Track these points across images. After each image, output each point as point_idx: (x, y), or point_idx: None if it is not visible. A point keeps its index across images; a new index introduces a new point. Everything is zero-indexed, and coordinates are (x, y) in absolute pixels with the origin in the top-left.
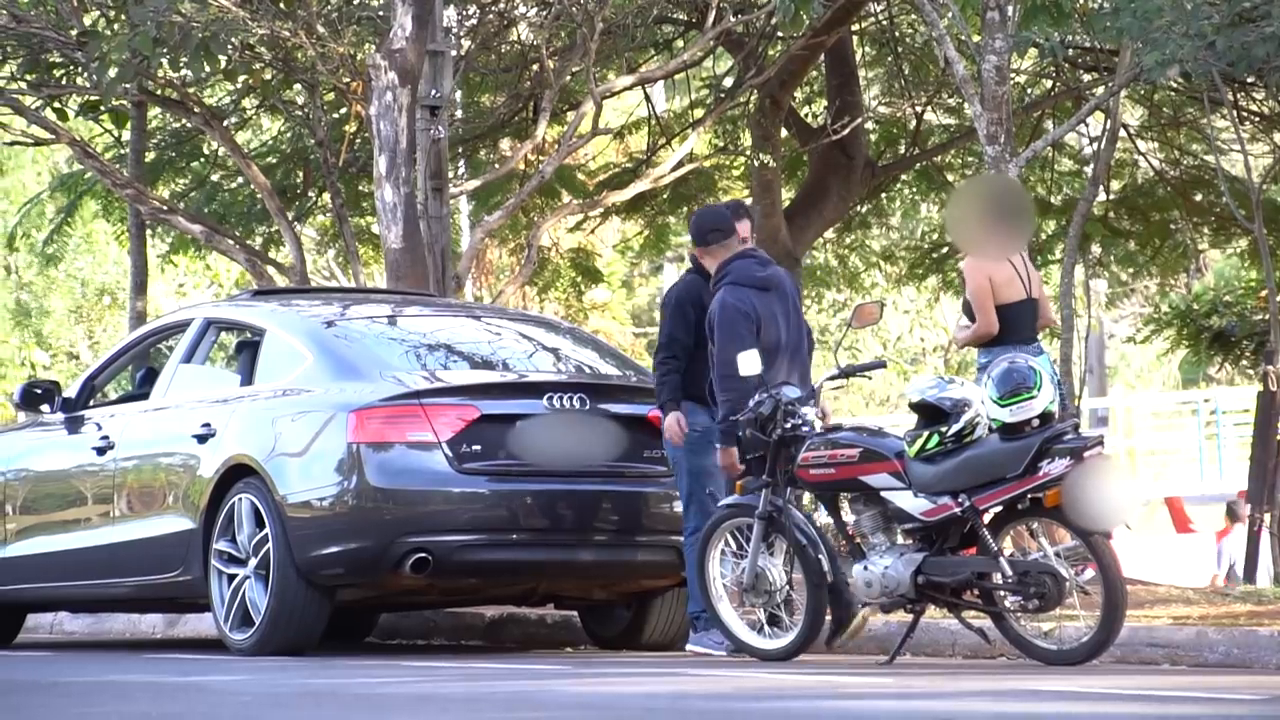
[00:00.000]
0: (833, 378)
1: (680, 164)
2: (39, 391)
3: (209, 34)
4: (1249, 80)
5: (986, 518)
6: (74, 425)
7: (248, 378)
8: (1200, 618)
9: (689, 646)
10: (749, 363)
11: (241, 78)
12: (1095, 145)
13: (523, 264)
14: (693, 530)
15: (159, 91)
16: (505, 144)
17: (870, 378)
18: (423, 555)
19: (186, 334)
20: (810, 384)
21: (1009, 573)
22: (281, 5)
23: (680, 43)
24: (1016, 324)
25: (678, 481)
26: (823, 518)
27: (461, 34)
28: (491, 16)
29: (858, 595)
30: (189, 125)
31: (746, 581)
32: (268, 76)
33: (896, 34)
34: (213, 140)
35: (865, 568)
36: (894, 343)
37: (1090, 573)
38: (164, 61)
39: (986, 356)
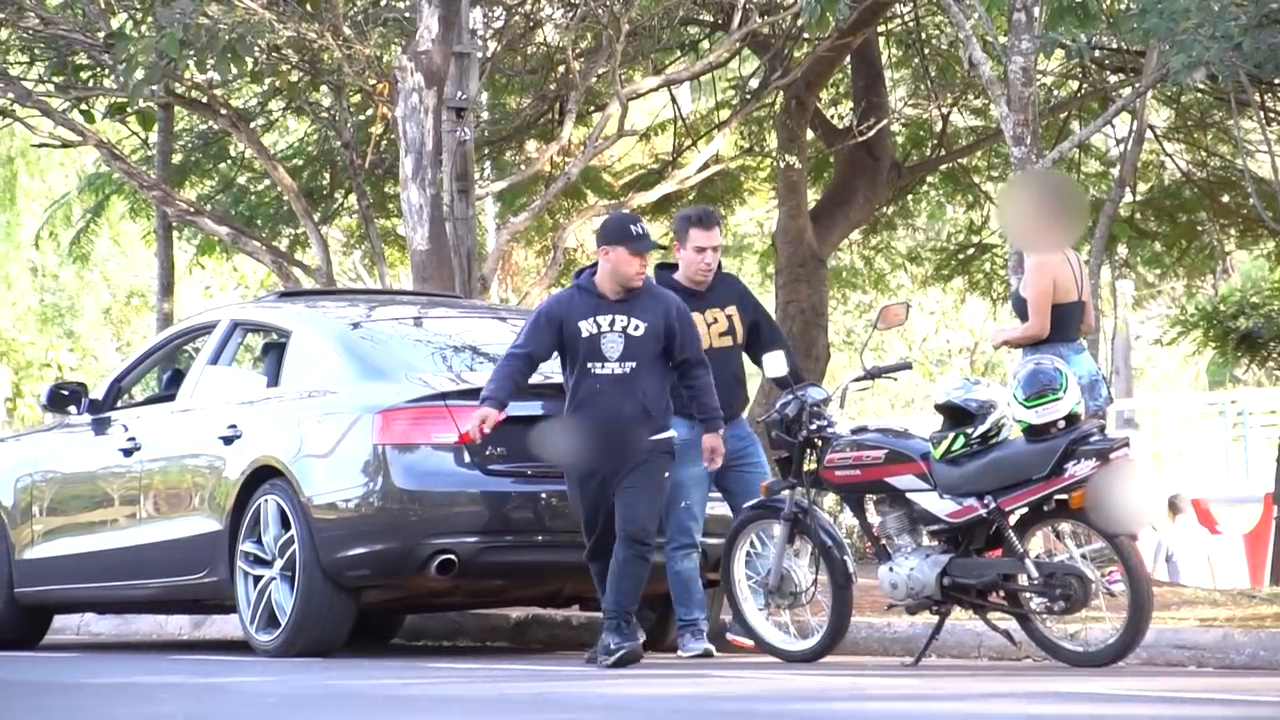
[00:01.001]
0: (859, 379)
1: (706, 165)
2: (66, 393)
3: (235, 36)
4: (1276, 81)
5: (1012, 519)
6: (101, 427)
7: (274, 379)
8: (1226, 620)
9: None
10: (774, 364)
11: (268, 80)
12: (1122, 146)
13: (548, 265)
14: (677, 545)
15: (186, 93)
16: (531, 145)
17: (896, 379)
18: (448, 557)
19: (213, 336)
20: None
21: (1034, 574)
22: (308, 7)
23: (706, 44)
24: (1066, 324)
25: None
26: (848, 519)
27: (487, 36)
28: (517, 18)
29: (885, 596)
30: (215, 127)
31: (772, 583)
32: (294, 78)
33: (923, 35)
34: (239, 142)
35: (891, 569)
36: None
37: (1118, 576)
38: (191, 63)
39: (1032, 354)
